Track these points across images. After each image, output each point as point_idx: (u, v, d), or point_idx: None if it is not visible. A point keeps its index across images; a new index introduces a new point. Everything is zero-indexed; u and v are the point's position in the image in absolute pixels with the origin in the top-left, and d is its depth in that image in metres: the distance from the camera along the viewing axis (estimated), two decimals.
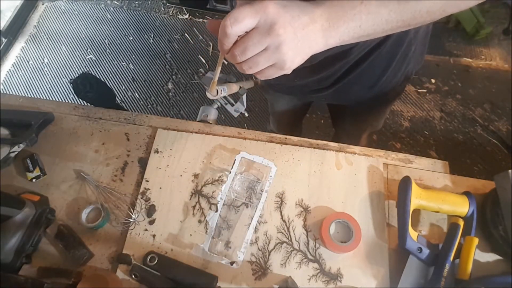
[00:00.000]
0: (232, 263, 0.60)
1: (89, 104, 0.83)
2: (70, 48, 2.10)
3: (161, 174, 0.69)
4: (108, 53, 2.08)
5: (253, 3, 0.38)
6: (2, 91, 1.95)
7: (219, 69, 0.52)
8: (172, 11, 2.22)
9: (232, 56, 0.42)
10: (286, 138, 0.75)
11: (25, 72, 2.02)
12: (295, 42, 0.40)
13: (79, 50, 2.09)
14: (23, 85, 1.98)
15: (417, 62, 0.79)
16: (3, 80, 1.99)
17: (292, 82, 0.76)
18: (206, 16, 2.19)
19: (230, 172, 0.67)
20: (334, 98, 0.89)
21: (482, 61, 2.02)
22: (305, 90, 0.80)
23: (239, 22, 0.38)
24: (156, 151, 0.72)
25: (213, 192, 0.68)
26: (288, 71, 0.43)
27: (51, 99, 1.94)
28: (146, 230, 0.64)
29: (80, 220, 0.63)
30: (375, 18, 0.42)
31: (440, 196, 0.62)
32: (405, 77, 0.80)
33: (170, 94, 1.95)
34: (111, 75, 2.01)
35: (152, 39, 2.13)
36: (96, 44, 2.11)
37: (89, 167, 0.70)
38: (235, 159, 0.68)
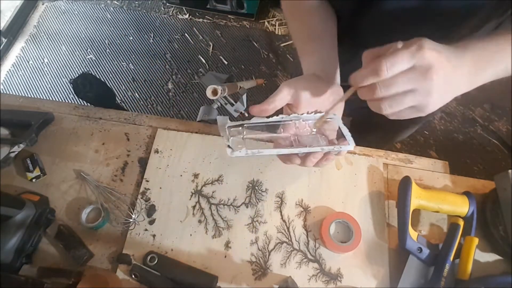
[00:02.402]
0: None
1: (89, 104, 0.83)
2: (70, 48, 2.10)
3: (161, 174, 0.69)
4: (108, 53, 2.08)
5: (409, 46, 0.37)
6: (2, 91, 1.95)
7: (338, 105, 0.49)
8: (172, 11, 2.22)
9: (372, 89, 0.38)
10: None
11: (25, 72, 2.02)
12: (444, 88, 0.39)
13: (79, 50, 2.09)
14: (23, 85, 1.98)
15: None
16: (3, 80, 1.99)
17: None
18: (206, 16, 2.19)
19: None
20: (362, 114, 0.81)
21: None
22: None
23: (395, 68, 0.36)
24: (156, 151, 0.72)
25: (213, 192, 0.68)
26: (424, 114, 0.41)
27: (51, 99, 1.94)
28: (146, 230, 0.64)
29: (80, 220, 0.63)
30: None
31: (440, 196, 0.62)
32: None
33: (170, 94, 1.95)
34: (111, 75, 2.01)
35: (152, 39, 2.13)
36: (96, 44, 2.11)
37: (89, 167, 0.70)
38: None
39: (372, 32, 0.61)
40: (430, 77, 0.37)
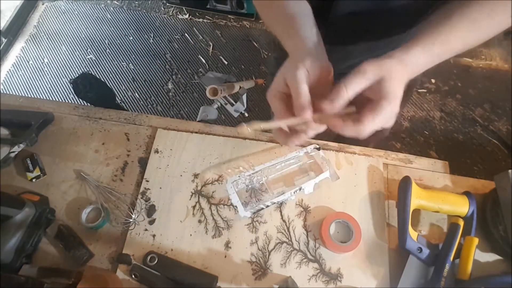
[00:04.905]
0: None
1: (89, 104, 0.83)
2: (70, 48, 2.10)
3: (161, 174, 0.69)
4: (108, 53, 2.08)
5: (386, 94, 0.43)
6: (2, 91, 1.95)
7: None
8: (172, 11, 2.22)
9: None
10: None
11: (25, 72, 2.02)
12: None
13: (79, 50, 2.09)
14: (23, 85, 1.98)
15: None
16: (3, 80, 1.99)
17: None
18: (206, 16, 2.19)
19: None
20: None
21: (482, 61, 2.02)
22: None
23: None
24: (156, 151, 0.72)
25: (213, 192, 0.68)
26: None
27: (51, 99, 1.94)
28: (146, 230, 0.64)
29: (80, 220, 0.63)
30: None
31: (440, 196, 0.62)
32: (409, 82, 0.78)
33: (170, 94, 1.95)
34: (111, 75, 2.01)
35: (152, 39, 2.13)
36: (96, 44, 2.11)
37: (89, 167, 0.70)
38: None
39: (339, 18, 0.63)
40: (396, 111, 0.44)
